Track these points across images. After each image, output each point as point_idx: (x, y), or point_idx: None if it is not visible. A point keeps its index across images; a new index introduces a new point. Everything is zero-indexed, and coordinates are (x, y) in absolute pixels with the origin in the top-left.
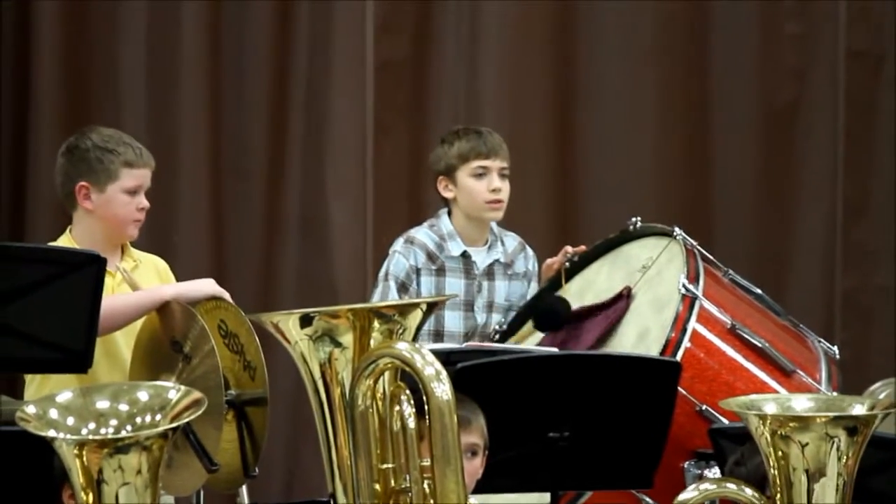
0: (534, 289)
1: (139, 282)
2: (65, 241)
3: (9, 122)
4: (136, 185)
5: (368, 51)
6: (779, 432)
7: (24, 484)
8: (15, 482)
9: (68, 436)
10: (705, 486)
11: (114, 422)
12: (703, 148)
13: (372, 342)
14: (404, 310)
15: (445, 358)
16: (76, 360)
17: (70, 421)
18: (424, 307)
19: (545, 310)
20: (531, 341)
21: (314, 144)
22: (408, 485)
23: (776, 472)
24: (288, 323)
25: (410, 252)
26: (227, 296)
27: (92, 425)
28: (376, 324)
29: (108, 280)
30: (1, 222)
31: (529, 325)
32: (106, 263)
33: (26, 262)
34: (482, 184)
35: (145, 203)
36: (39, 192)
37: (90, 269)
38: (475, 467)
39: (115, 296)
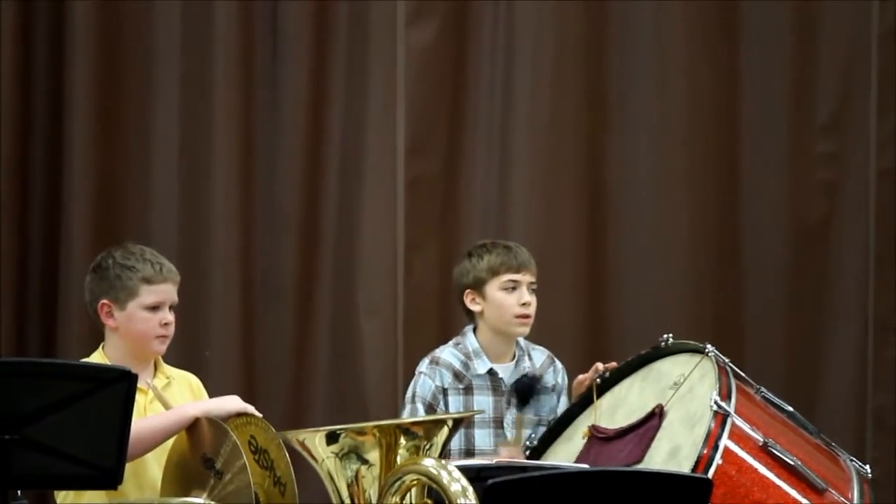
0: (564, 403)
1: (170, 400)
2: (97, 358)
3: (40, 238)
4: (157, 301)
5: (399, 168)
6: None
7: None
8: None
9: None
10: None
11: None
12: (733, 265)
13: (398, 459)
14: (430, 426)
15: (476, 474)
16: (106, 476)
17: None
18: (451, 423)
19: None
20: (563, 457)
21: (345, 263)
22: None
23: None
24: (314, 440)
25: (436, 373)
26: (253, 410)
27: None
28: (403, 440)
29: (139, 397)
30: (32, 337)
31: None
32: (136, 380)
33: (57, 377)
34: (512, 297)
35: (168, 318)
36: (70, 306)
37: (121, 385)
38: None
39: (141, 420)
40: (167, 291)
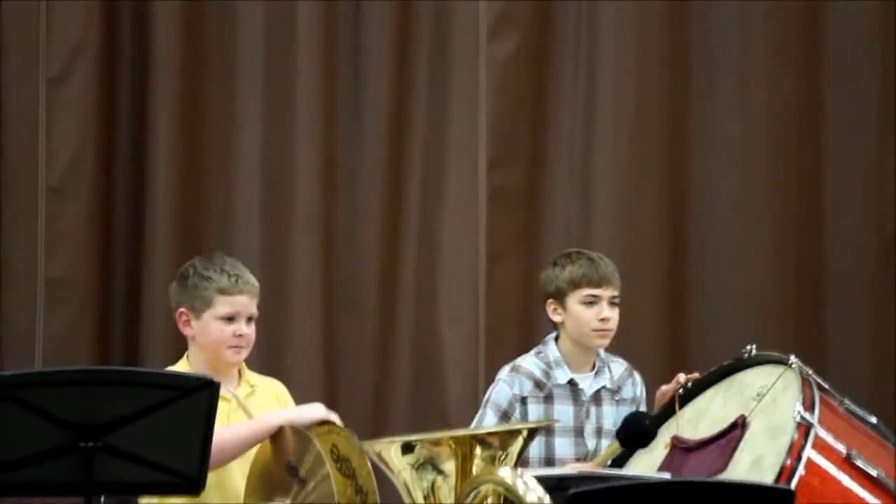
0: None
1: (252, 409)
2: (182, 366)
3: (124, 247)
4: (231, 312)
5: (481, 179)
6: None
7: None
8: None
9: None
10: None
11: None
12: (817, 277)
13: (474, 469)
14: (506, 436)
15: (557, 483)
16: (189, 483)
17: None
18: (526, 433)
19: (631, 428)
20: (644, 467)
21: (427, 274)
22: None
23: None
24: (390, 451)
25: (515, 381)
26: (336, 418)
27: None
28: (478, 450)
29: (223, 406)
30: (115, 345)
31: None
32: (219, 388)
33: (140, 385)
34: (591, 311)
35: (243, 330)
36: (153, 315)
37: (203, 393)
38: None
39: (225, 429)
40: (242, 303)
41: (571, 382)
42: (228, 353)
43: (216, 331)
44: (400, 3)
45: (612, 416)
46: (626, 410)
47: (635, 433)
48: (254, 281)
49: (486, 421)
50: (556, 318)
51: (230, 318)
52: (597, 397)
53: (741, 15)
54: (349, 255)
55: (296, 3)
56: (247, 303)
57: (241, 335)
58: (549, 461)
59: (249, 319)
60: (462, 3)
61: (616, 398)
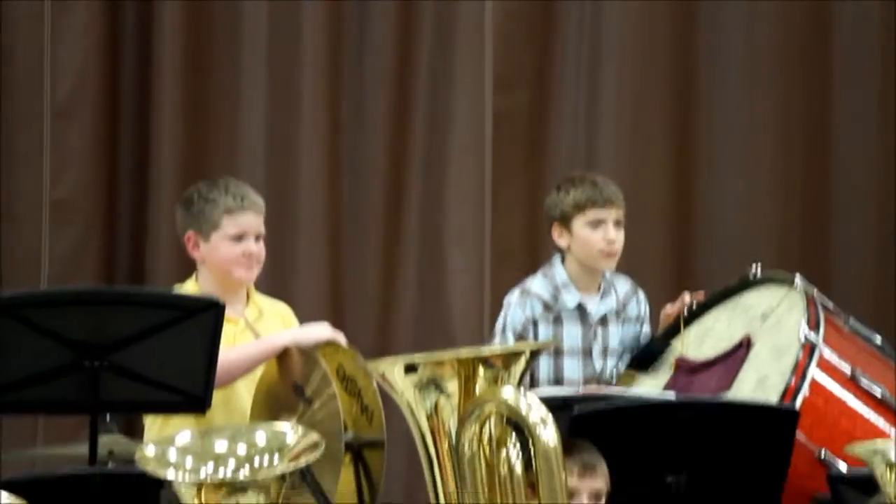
0: (646, 332)
1: (261, 331)
2: (189, 287)
3: (128, 170)
4: (239, 231)
5: (487, 102)
6: None
7: None
8: None
9: (187, 476)
10: None
11: (232, 463)
12: (823, 194)
13: (477, 389)
14: (508, 357)
15: (562, 403)
16: (194, 402)
17: (189, 462)
18: (528, 354)
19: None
20: (649, 387)
21: (433, 192)
22: None
23: None
24: (393, 371)
25: (526, 304)
26: (342, 338)
27: (210, 466)
28: (481, 371)
29: (230, 328)
30: (121, 267)
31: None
32: (224, 309)
33: (146, 306)
34: (597, 234)
35: (252, 248)
36: (158, 239)
37: (209, 313)
38: None
39: (231, 348)
40: (249, 222)
41: (580, 305)
42: (239, 271)
43: (226, 251)
44: None
45: (618, 335)
46: (631, 329)
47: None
48: (259, 199)
49: (503, 343)
50: (563, 243)
51: (239, 238)
52: (603, 319)
53: None
54: (355, 180)
55: None
56: (254, 221)
57: (250, 254)
58: (559, 381)
59: (258, 238)
60: None
61: (622, 317)
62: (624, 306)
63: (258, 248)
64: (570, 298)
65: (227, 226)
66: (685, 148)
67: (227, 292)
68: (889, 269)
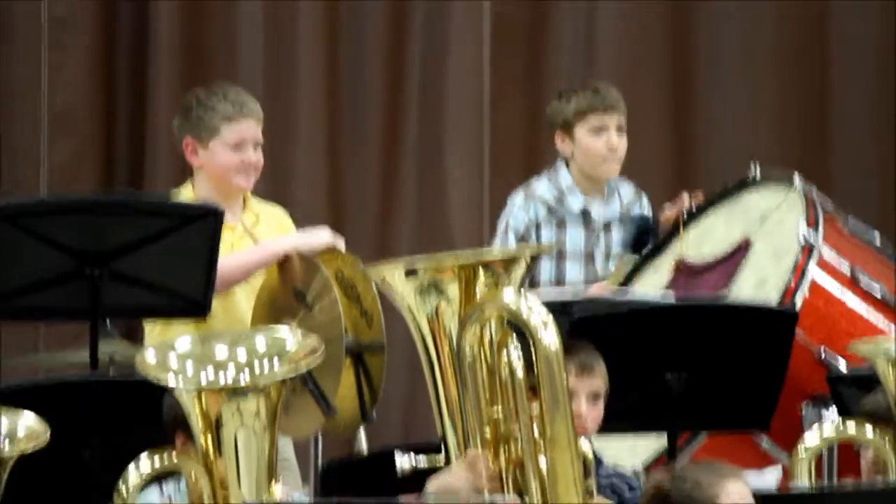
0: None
1: (258, 237)
2: (186, 192)
3: (127, 76)
4: (237, 139)
5: (485, 9)
6: None
7: (135, 431)
8: (125, 430)
9: (188, 381)
10: (827, 429)
11: (232, 368)
12: (821, 90)
13: (478, 292)
14: (509, 260)
15: (562, 307)
16: (195, 306)
17: (189, 367)
18: (529, 257)
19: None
20: (649, 288)
21: (432, 96)
22: (518, 429)
23: None
24: (393, 275)
25: (530, 206)
26: (342, 244)
27: (210, 371)
28: (482, 274)
29: (227, 234)
30: (119, 175)
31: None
32: (223, 216)
33: (147, 214)
34: (600, 141)
35: (251, 157)
36: (157, 147)
37: (208, 220)
38: (599, 411)
39: (232, 254)
40: (247, 129)
41: (584, 211)
42: (238, 179)
43: (225, 158)
44: None
45: (620, 240)
46: (634, 229)
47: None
48: (257, 107)
49: (509, 246)
50: (566, 150)
51: (237, 146)
52: (607, 224)
53: None
54: (353, 91)
55: None
56: (252, 128)
57: (249, 162)
58: (560, 284)
59: (256, 145)
60: None
61: (624, 221)
62: (628, 211)
63: (257, 157)
64: (575, 202)
65: (227, 133)
66: (683, 51)
67: (225, 199)
68: (889, 152)
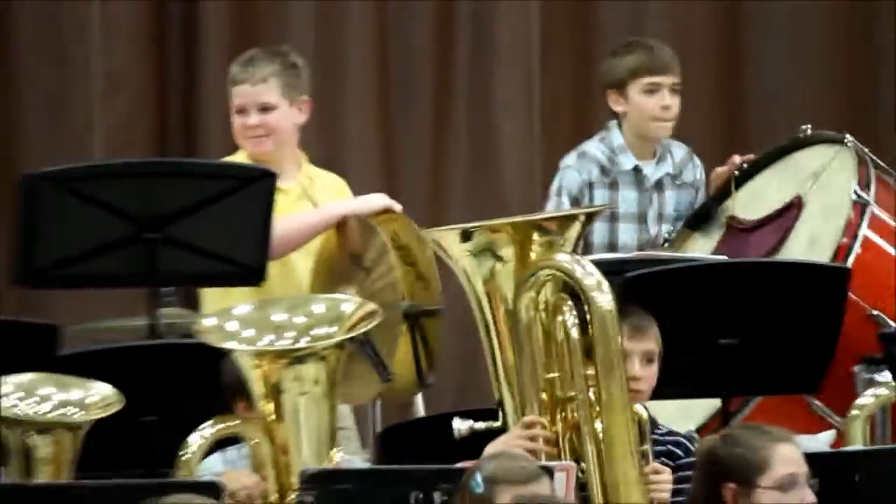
0: (702, 197)
1: (316, 198)
2: (240, 157)
3: (179, 44)
4: (240, 103)
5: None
6: None
7: (195, 397)
8: (186, 396)
9: (247, 347)
10: (880, 391)
11: (291, 333)
12: (870, 53)
13: (533, 255)
14: (563, 222)
15: (617, 268)
16: (251, 272)
17: (248, 333)
18: (583, 218)
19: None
20: (701, 248)
21: (482, 61)
22: (574, 393)
23: None
24: (448, 239)
25: (583, 167)
26: (398, 207)
27: (270, 337)
28: (536, 236)
29: (282, 198)
30: (172, 140)
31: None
32: (276, 178)
33: (199, 177)
34: (654, 100)
35: (249, 121)
36: (210, 111)
37: (262, 183)
38: (653, 373)
39: (290, 217)
40: (245, 94)
41: (636, 169)
42: (247, 144)
43: (234, 123)
44: None
45: (673, 201)
46: (686, 194)
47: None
48: (268, 69)
49: (559, 208)
50: (619, 109)
51: (240, 111)
52: (659, 184)
53: None
54: (403, 50)
55: None
56: (251, 92)
57: (247, 126)
58: (613, 246)
59: (264, 109)
60: None
61: (677, 183)
62: (680, 171)
63: (259, 120)
64: (627, 161)
65: (234, 97)
66: (737, 15)
67: (271, 165)
68: None
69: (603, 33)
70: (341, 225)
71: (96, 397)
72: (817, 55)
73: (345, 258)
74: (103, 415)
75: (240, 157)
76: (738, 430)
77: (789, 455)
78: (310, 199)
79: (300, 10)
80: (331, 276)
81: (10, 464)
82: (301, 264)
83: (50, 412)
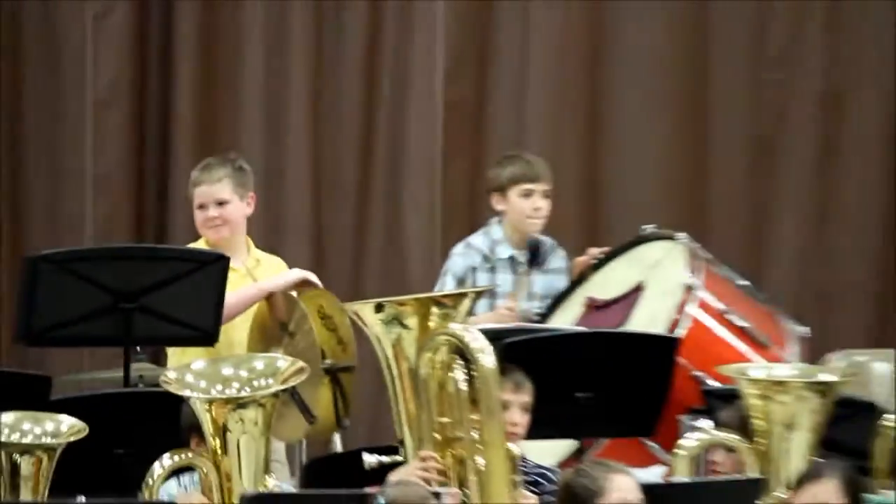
0: (563, 282)
1: (258, 277)
2: (201, 244)
3: (154, 147)
4: (199, 202)
5: (438, 91)
6: (764, 393)
7: (159, 434)
8: (151, 433)
9: (201, 395)
10: (700, 434)
11: (236, 384)
12: (703, 169)
13: (431, 324)
14: (456, 298)
15: (498, 335)
16: (207, 336)
17: (202, 384)
18: (472, 296)
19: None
20: (564, 321)
21: (394, 169)
22: (461, 434)
23: (761, 423)
24: (364, 310)
25: (468, 254)
26: (313, 277)
27: (219, 387)
28: (434, 309)
29: (233, 275)
30: (148, 230)
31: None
32: (229, 261)
33: (167, 259)
34: (528, 203)
35: (207, 214)
36: (178, 208)
37: (217, 265)
38: (527, 421)
39: (232, 293)
40: (204, 193)
41: (511, 258)
42: (207, 233)
43: (197, 218)
44: None
45: (541, 283)
46: (553, 278)
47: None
48: (218, 171)
49: (447, 287)
50: (500, 208)
51: (200, 206)
52: (530, 269)
53: None
54: (334, 157)
55: None
56: (208, 192)
57: (206, 220)
58: None
59: (220, 203)
60: None
61: (544, 269)
62: (546, 260)
63: (216, 213)
64: (504, 251)
65: (195, 197)
66: (596, 132)
67: (227, 249)
68: (753, 225)
69: (492, 147)
70: (270, 297)
71: (66, 427)
72: (662, 167)
73: (274, 324)
74: (72, 440)
75: (201, 244)
76: (586, 465)
77: (623, 484)
78: (252, 277)
79: (251, 118)
80: (263, 338)
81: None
82: (241, 330)
83: (30, 439)
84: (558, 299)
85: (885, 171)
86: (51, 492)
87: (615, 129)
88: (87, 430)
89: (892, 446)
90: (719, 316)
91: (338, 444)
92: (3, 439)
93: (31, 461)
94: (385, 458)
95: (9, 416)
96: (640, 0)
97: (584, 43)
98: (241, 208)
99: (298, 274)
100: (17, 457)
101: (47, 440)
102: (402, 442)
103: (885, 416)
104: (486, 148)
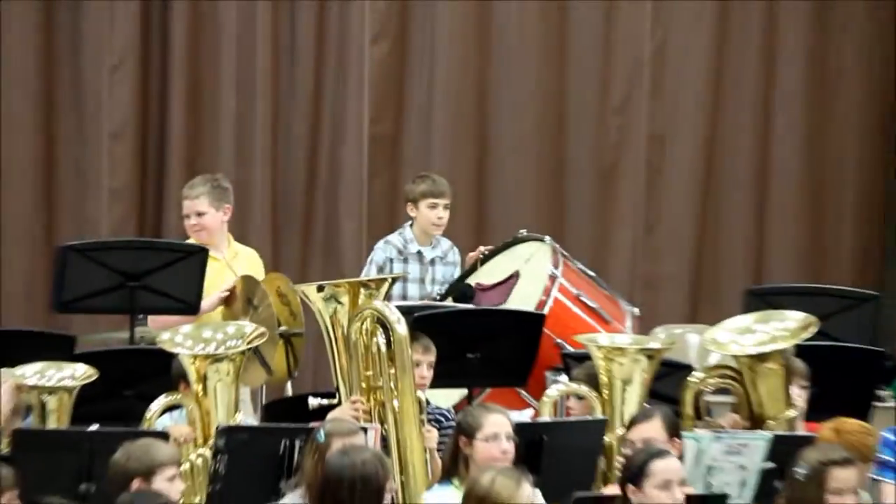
0: (457, 272)
1: (235, 267)
2: (191, 240)
3: (154, 169)
4: (184, 212)
5: (364, 130)
6: (607, 356)
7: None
8: (151, 379)
9: (187, 351)
10: (560, 386)
11: (213, 344)
12: (562, 188)
13: (360, 301)
14: (378, 282)
15: (408, 310)
16: (191, 307)
17: (188, 343)
18: (390, 280)
19: (461, 294)
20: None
21: (332, 185)
22: (381, 384)
23: (605, 379)
24: (310, 291)
25: (387, 249)
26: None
27: (201, 346)
28: (362, 291)
29: (214, 264)
30: (148, 229)
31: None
32: (208, 252)
33: (163, 250)
34: (433, 213)
35: (190, 222)
36: (172, 214)
37: (199, 255)
38: (431, 374)
39: (206, 298)
40: (187, 206)
41: (419, 252)
42: (194, 237)
43: (185, 223)
44: None
45: (441, 272)
46: (450, 269)
47: (461, 296)
48: (200, 189)
49: (371, 273)
50: (412, 214)
51: (185, 216)
52: (433, 262)
53: None
54: (288, 180)
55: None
56: (190, 204)
57: (190, 226)
58: (405, 298)
59: (199, 214)
60: None
61: (444, 261)
62: (445, 254)
63: (198, 221)
64: (414, 247)
65: (183, 208)
66: (484, 157)
67: (208, 245)
68: (595, 226)
69: (406, 169)
70: (233, 289)
71: (80, 373)
72: (533, 184)
73: (243, 300)
74: (86, 382)
75: (191, 241)
76: (473, 407)
77: (495, 420)
78: (231, 269)
79: (226, 144)
80: (235, 311)
81: (32, 415)
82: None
83: (54, 382)
84: (454, 285)
85: (699, 191)
86: (72, 422)
87: (499, 155)
88: (97, 375)
89: (694, 395)
90: (575, 298)
91: (289, 390)
92: (33, 383)
93: (55, 399)
94: (325, 401)
95: (37, 366)
96: (514, 65)
97: (475, 90)
98: (217, 217)
99: (220, 295)
100: (45, 396)
101: (66, 382)
102: (337, 389)
103: (693, 373)
104: (401, 170)
